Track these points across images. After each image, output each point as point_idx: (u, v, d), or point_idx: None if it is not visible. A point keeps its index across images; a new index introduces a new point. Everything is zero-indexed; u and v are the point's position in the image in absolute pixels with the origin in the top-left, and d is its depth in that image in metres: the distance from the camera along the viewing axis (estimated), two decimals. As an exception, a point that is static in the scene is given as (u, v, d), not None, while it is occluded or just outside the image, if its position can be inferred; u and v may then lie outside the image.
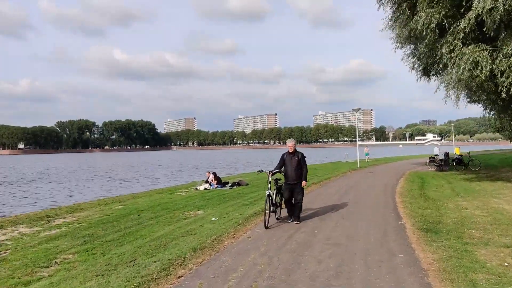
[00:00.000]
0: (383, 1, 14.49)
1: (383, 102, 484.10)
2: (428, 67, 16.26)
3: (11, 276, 5.54)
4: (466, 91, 13.83)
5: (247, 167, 45.87)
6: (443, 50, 11.35)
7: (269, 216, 7.58)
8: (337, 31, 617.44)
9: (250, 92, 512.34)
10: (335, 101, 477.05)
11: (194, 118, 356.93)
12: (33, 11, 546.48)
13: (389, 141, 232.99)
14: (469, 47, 10.88)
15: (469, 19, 10.49)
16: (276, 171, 7.88)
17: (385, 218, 8.45)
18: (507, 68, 10.45)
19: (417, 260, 5.25)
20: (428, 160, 24.86)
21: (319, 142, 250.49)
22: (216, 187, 16.57)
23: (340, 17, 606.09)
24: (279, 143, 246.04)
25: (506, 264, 4.97)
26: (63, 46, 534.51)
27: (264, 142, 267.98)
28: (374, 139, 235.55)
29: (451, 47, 11.15)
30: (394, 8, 14.15)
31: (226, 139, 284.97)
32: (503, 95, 10.92)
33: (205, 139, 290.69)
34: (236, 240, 6.73)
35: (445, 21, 11.55)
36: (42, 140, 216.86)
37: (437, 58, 12.60)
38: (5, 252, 7.04)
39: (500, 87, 10.94)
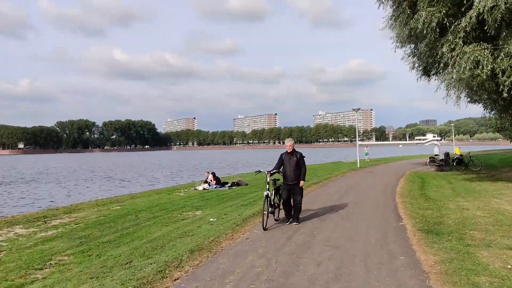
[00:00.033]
0: (383, 0, 14.39)
1: (383, 102, 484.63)
2: (429, 66, 16.17)
3: (4, 278, 5.44)
4: (467, 90, 13.72)
5: (246, 167, 45.76)
6: (444, 49, 11.25)
7: (267, 217, 7.47)
8: (337, 31, 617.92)
9: (250, 92, 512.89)
10: (335, 101, 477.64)
11: (194, 118, 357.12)
12: (33, 11, 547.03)
13: (389, 141, 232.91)
14: (470, 46, 10.77)
15: (470, 18, 10.39)
16: (274, 171, 7.75)
17: (385, 219, 8.34)
18: (509, 67, 10.34)
19: (418, 262, 5.14)
20: (428, 160, 24.75)
21: (319, 142, 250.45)
22: (215, 187, 16.47)
23: (340, 17, 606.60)
24: (279, 143, 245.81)
25: (509, 266, 4.86)
26: (63, 46, 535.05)
27: (264, 142, 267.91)
28: (374, 139, 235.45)
29: (452, 46, 11.04)
30: (394, 7, 14.05)
31: (226, 139, 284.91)
32: (505, 95, 10.81)
33: (205, 139, 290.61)
34: (234, 242, 6.62)
35: (445, 20, 11.45)
36: (42, 140, 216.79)
37: (438, 57, 12.49)
38: (0, 254, 6.93)
39: (501, 87, 10.83)
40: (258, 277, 4.76)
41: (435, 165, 22.48)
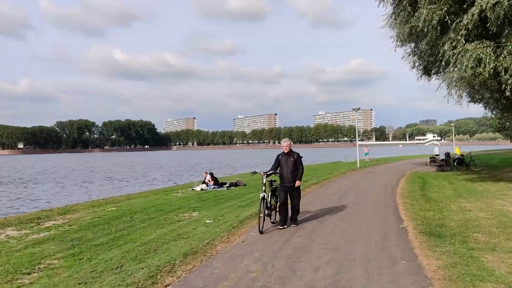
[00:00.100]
0: (383, -2, 14.16)
1: (383, 102, 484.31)
2: (429, 65, 15.96)
3: (-10, 283, 5.23)
4: (468, 89, 13.51)
5: (246, 167, 45.53)
6: (445, 47, 11.03)
7: (264, 220, 7.21)
8: (337, 31, 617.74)
9: (250, 92, 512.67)
10: (335, 101, 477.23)
11: (194, 118, 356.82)
12: (33, 11, 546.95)
13: (389, 141, 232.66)
14: (472, 44, 10.55)
15: (472, 15, 10.17)
16: (271, 172, 7.50)
17: (385, 220, 8.13)
18: (511, 65, 10.12)
19: (420, 267, 4.93)
20: (429, 160, 24.52)
21: (319, 142, 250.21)
22: (213, 188, 16.26)
23: (340, 17, 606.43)
24: (279, 143, 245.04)
25: (515, 271, 4.65)
26: (63, 46, 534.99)
27: (264, 142, 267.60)
28: (374, 139, 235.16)
29: (454, 44, 10.82)
30: (394, 5, 13.83)
31: (226, 139, 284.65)
32: (507, 93, 10.58)
33: (204, 139, 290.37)
34: (230, 245, 6.41)
35: (447, 17, 11.23)
36: (42, 140, 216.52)
37: (439, 56, 12.28)
38: (-12, 257, 6.72)
39: (503, 85, 10.61)
40: (253, 283, 4.55)
41: (436, 165, 22.25)
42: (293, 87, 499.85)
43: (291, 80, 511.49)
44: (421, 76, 17.37)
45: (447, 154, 23.51)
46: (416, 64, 16.76)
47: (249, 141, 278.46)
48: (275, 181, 7.81)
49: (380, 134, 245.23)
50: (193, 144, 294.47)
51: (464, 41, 10.68)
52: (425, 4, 11.42)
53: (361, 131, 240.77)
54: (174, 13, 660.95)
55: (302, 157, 7.59)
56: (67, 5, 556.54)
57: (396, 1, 13.53)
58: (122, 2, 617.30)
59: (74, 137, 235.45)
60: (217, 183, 16.83)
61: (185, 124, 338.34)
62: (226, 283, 4.59)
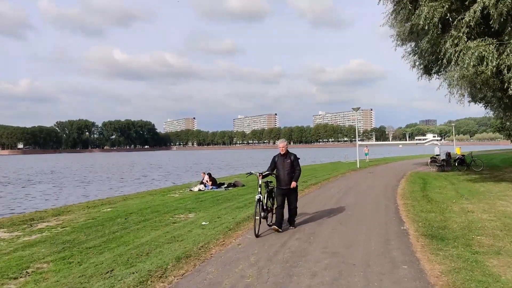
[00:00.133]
0: (383, -4, 13.94)
1: (383, 102, 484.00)
2: (430, 64, 15.74)
3: (-27, 289, 5.02)
4: (470, 88, 13.28)
5: (246, 167, 45.30)
6: (447, 45, 10.80)
7: (260, 222, 6.97)
8: (337, 31, 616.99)
9: (250, 92, 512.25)
10: (335, 101, 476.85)
11: (194, 118, 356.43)
12: (33, 11, 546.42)
13: (389, 141, 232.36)
14: (474, 41, 10.33)
15: (474, 12, 9.95)
16: (267, 173, 7.25)
17: (386, 222, 7.91)
18: (514, 64, 9.90)
19: (423, 273, 4.71)
20: (429, 160, 24.31)
21: (319, 142, 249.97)
22: (211, 188, 16.05)
23: (340, 17, 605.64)
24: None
25: (522, 277, 4.43)
26: (63, 46, 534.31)
27: (264, 142, 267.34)
28: (374, 139, 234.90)
29: (455, 41, 10.60)
30: (394, 2, 13.61)
31: (225, 139, 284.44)
32: (510, 92, 10.35)
33: (204, 139, 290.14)
34: (225, 248, 6.20)
35: (448, 15, 11.00)
36: (42, 140, 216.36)
37: (440, 54, 12.05)
38: (-24, 261, 6.50)
39: (506, 84, 10.39)
40: (247, 290, 4.34)
41: (437, 165, 22.04)
42: (293, 87, 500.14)
43: (291, 80, 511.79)
44: (421, 76, 17.13)
45: (448, 154, 23.29)
46: (417, 63, 16.52)
47: (249, 141, 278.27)
48: (271, 182, 7.58)
49: (380, 134, 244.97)
50: (193, 144, 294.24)
51: (466, 39, 10.46)
52: (426, 2, 11.19)
53: (361, 131, 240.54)
54: (174, 13, 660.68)
55: (299, 158, 7.35)
56: (67, 5, 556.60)
57: (397, -1, 13.30)
58: (122, 2, 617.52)
59: (74, 137, 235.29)
60: (215, 183, 16.61)
61: (185, 124, 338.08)
62: (219, 290, 4.38)
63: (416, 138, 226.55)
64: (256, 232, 6.80)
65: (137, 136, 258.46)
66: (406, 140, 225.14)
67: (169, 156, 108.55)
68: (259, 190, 7.01)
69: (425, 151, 69.46)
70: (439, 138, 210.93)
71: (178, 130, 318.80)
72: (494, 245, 5.83)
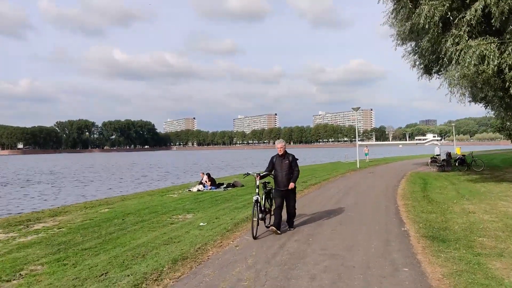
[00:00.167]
0: (383, -6, 13.82)
1: (383, 102, 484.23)
2: (430, 64, 15.64)
3: (-35, 292, 4.91)
4: (470, 87, 13.18)
5: (246, 167, 45.19)
6: (448, 44, 10.70)
7: (258, 224, 6.83)
8: (337, 31, 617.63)
9: (250, 92, 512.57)
10: (335, 101, 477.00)
11: (194, 118, 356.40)
12: (33, 11, 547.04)
13: (389, 141, 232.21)
14: (475, 40, 10.23)
15: (476, 10, 9.84)
16: (265, 173, 7.13)
17: (386, 223, 7.80)
18: (516, 63, 9.79)
19: (424, 275, 4.60)
20: (429, 160, 24.22)
21: (319, 142, 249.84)
22: (210, 189, 15.94)
23: (340, 17, 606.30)
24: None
25: (526, 280, 4.32)
26: (63, 46, 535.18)
27: (264, 142, 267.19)
28: (374, 139, 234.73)
29: (456, 40, 10.49)
30: (394, 1, 13.50)
31: (225, 139, 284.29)
32: (511, 91, 10.27)
33: (204, 139, 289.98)
34: (222, 250, 6.09)
35: (449, 13, 10.89)
36: (42, 140, 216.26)
37: (441, 53, 11.95)
38: (-31, 263, 6.39)
39: (507, 83, 10.30)
40: (244, 293, 4.23)
41: (437, 166, 21.94)
42: (293, 87, 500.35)
43: (291, 80, 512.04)
44: (421, 75, 17.03)
45: (448, 154, 23.19)
46: (417, 63, 16.42)
47: (249, 141, 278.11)
48: (269, 183, 7.46)
49: (380, 134, 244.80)
50: (193, 144, 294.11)
51: (467, 38, 10.35)
52: (427, 0, 11.08)
53: (361, 131, 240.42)
54: (174, 13, 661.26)
55: (297, 159, 7.23)
56: (67, 5, 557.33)
57: (397, -3, 13.19)
58: (122, 2, 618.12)
59: (73, 137, 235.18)
60: (214, 183, 16.51)
61: (185, 124, 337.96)
62: (215, 293, 4.27)
63: (416, 138, 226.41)
64: (254, 234, 6.68)
65: (137, 136, 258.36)
66: (406, 140, 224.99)
67: (168, 156, 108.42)
68: (257, 191, 6.89)
69: (425, 151, 69.34)
70: (439, 138, 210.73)
71: (178, 130, 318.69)
72: (497, 246, 5.72)
